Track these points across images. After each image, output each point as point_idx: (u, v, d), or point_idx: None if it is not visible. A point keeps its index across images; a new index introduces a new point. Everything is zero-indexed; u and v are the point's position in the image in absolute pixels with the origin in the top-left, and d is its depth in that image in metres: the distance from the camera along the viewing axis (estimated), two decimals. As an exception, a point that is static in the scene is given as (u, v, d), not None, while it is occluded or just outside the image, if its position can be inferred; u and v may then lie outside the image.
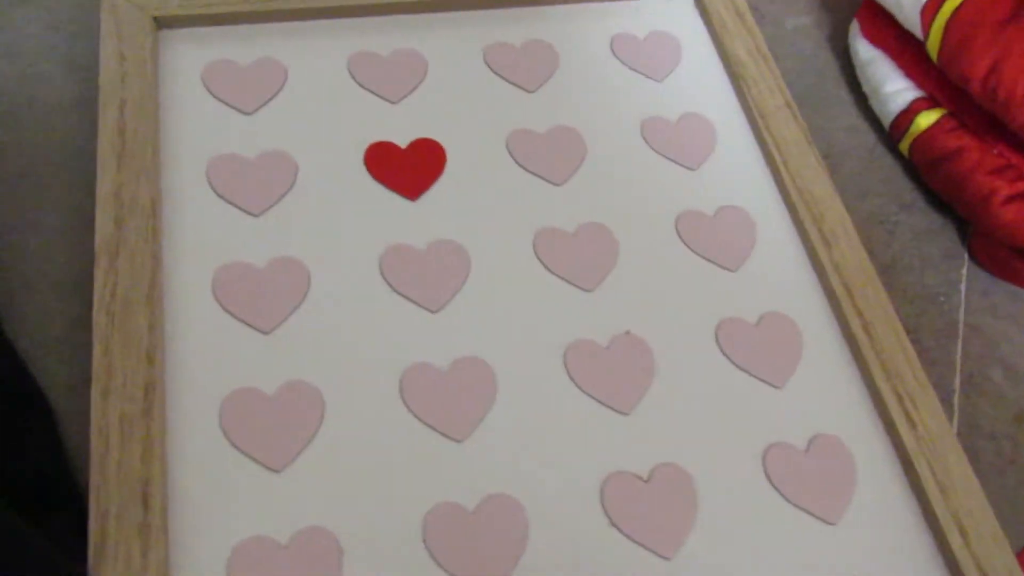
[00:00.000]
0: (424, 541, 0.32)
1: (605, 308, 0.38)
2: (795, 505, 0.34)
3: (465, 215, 0.40)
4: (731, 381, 0.37)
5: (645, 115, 0.44)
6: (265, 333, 0.35)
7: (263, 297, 0.36)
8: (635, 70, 0.46)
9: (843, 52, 0.51)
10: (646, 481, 0.34)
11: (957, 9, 0.42)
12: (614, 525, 0.33)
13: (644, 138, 0.44)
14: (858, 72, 0.49)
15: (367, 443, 0.34)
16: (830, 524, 0.34)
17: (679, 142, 0.43)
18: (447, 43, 0.45)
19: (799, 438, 0.36)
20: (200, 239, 0.37)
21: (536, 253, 0.39)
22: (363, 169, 0.41)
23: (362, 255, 0.38)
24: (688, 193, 0.42)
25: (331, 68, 0.44)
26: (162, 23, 0.43)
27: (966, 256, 0.45)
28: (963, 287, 0.43)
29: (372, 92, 0.43)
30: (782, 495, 0.34)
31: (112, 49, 0.41)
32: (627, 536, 0.33)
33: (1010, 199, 0.42)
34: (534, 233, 0.40)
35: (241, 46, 0.44)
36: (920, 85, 0.45)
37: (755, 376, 0.37)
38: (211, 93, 0.42)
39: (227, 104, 0.42)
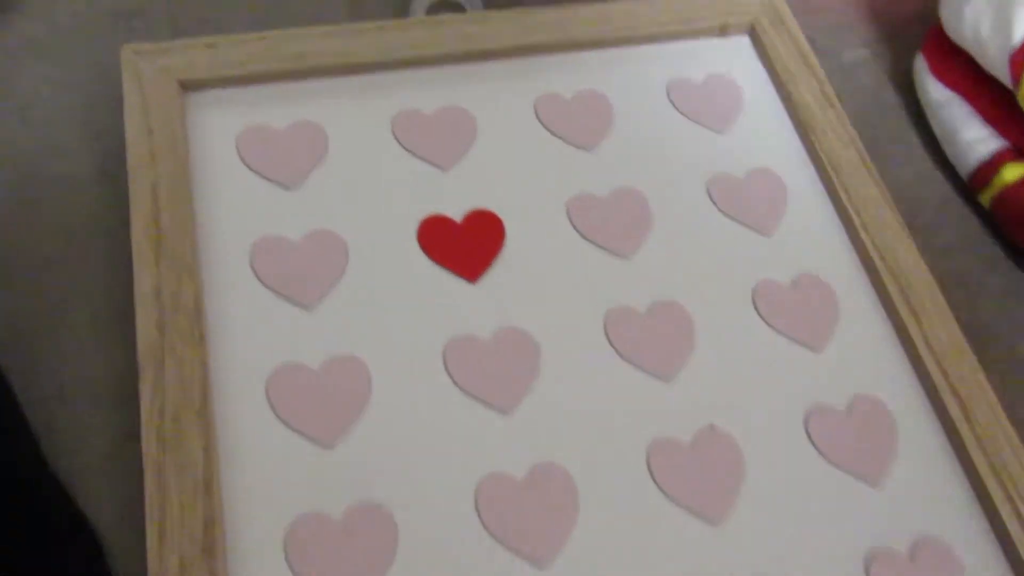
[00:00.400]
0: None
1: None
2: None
3: (529, 299, 0.37)
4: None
5: (710, 172, 0.42)
6: (329, 448, 0.33)
7: (322, 403, 0.34)
8: (695, 121, 0.43)
9: (907, 88, 0.48)
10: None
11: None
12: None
13: (712, 199, 0.41)
14: (928, 114, 0.46)
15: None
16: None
17: (749, 203, 0.41)
18: (494, 96, 0.42)
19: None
20: (250, 340, 0.35)
21: (609, 339, 0.37)
22: (417, 248, 0.38)
23: (424, 348, 0.35)
24: (763, 263, 0.39)
25: (374, 131, 0.41)
26: (189, 86, 0.40)
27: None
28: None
29: (421, 158, 0.40)
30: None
31: (138, 123, 0.38)
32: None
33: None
34: (604, 314, 0.37)
35: (276, 107, 0.40)
36: (1005, 134, 0.42)
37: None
38: (248, 166, 0.39)
39: (266, 178, 0.39)
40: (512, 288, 0.37)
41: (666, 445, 0.34)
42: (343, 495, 0.32)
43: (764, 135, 0.43)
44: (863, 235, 0.40)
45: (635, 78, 0.44)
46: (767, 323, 0.38)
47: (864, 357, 0.38)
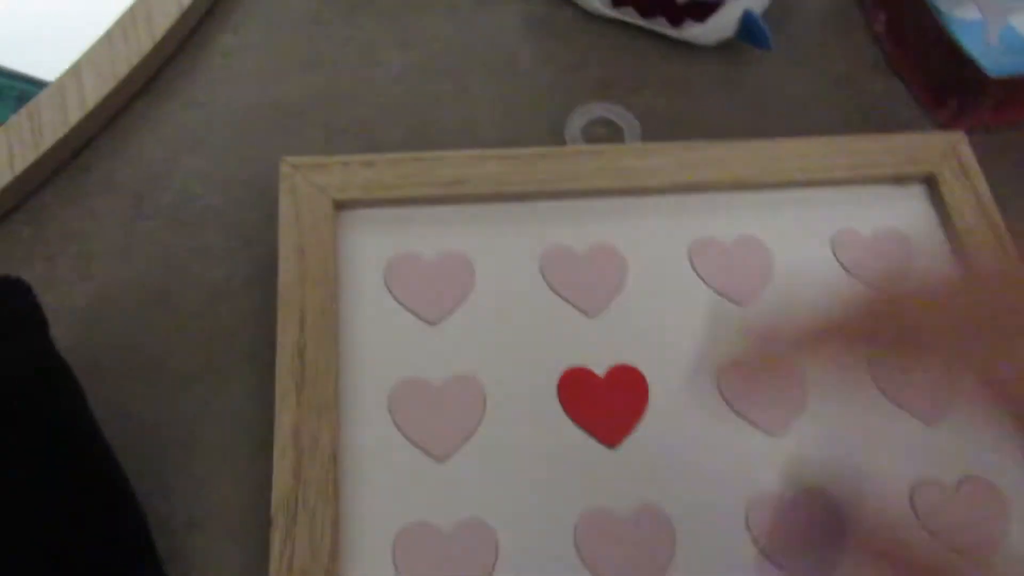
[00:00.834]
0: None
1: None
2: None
3: (666, 470, 0.36)
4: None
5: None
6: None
7: (450, 567, 0.33)
8: (860, 278, 0.41)
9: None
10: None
11: None
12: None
13: (872, 377, 0.38)
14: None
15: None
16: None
17: (916, 391, 0.38)
18: (648, 237, 0.41)
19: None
20: (382, 494, 0.34)
21: (748, 528, 0.35)
22: (556, 402, 0.37)
23: (557, 514, 0.34)
24: (926, 457, 0.37)
25: (522, 266, 0.40)
26: (343, 205, 0.40)
27: None
28: None
29: (567, 301, 0.39)
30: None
31: (291, 243, 0.38)
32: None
33: None
34: (746, 502, 0.35)
35: (426, 232, 0.40)
36: None
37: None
38: (395, 297, 0.38)
39: (411, 311, 0.38)
40: (651, 459, 0.36)
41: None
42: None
43: (935, 304, 0.40)
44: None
45: (798, 225, 0.42)
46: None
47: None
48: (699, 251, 0.41)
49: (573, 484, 0.35)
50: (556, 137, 0.46)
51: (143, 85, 0.44)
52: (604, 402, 0.37)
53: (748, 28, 0.46)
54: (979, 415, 0.28)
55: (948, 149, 0.43)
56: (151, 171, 0.43)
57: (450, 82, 0.47)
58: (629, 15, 0.48)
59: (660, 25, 0.47)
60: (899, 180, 0.43)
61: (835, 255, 0.41)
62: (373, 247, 0.40)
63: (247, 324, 0.40)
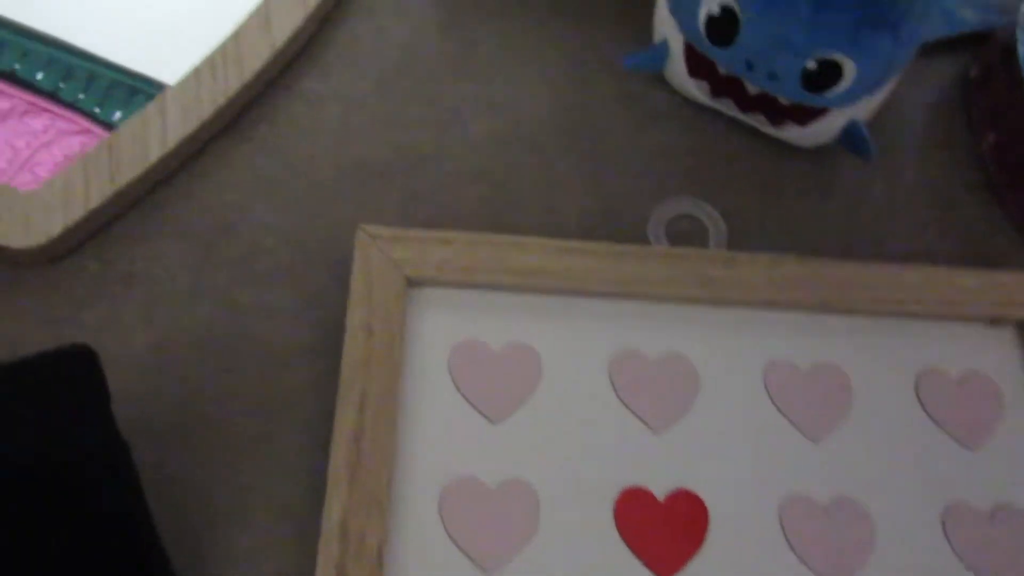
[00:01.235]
0: None
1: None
2: None
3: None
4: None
5: (950, 498, 0.38)
6: None
7: None
8: (942, 427, 0.39)
9: None
10: None
11: None
12: None
13: (947, 535, 0.37)
14: None
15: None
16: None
17: (993, 548, 0.36)
18: (723, 352, 0.40)
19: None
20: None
21: None
22: (612, 522, 0.36)
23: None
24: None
25: (591, 368, 0.39)
26: (415, 282, 0.39)
27: None
28: None
29: (634, 413, 0.38)
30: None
31: (360, 319, 0.37)
32: None
33: None
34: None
35: (496, 319, 0.39)
36: None
37: None
38: (457, 388, 0.38)
39: (473, 406, 0.37)
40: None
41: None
42: None
43: (1018, 464, 0.39)
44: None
45: (881, 358, 0.40)
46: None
47: None
48: (775, 374, 0.39)
49: None
50: (637, 223, 0.45)
51: (224, 126, 0.44)
52: (661, 530, 0.36)
53: (851, 136, 0.44)
54: None
55: (1049, 294, 0.42)
56: (223, 218, 0.42)
57: (535, 155, 0.46)
58: (727, 106, 0.47)
59: (757, 121, 0.46)
60: (993, 321, 0.41)
61: (918, 395, 0.40)
62: (441, 329, 0.39)
63: (305, 393, 0.39)
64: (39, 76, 0.43)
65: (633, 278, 0.40)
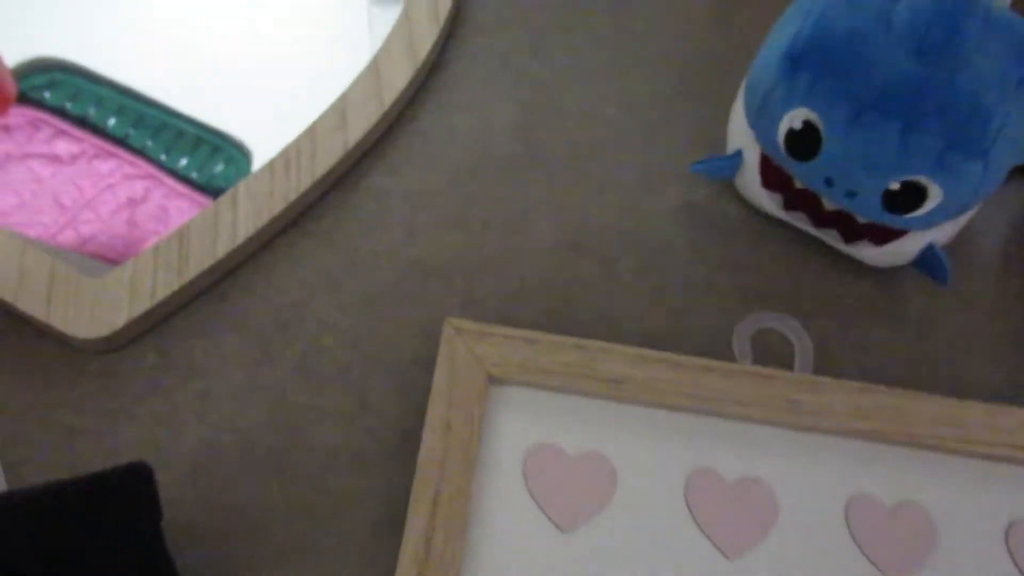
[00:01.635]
0: None
1: None
2: None
3: None
4: None
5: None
6: None
7: None
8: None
9: None
10: None
11: None
12: None
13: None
14: None
15: None
16: None
17: None
18: (804, 479, 0.38)
19: None
20: None
21: None
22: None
23: None
24: None
25: (666, 485, 0.38)
26: (497, 380, 0.39)
27: None
28: None
29: (708, 537, 0.37)
30: None
31: (440, 415, 0.37)
32: None
33: None
34: None
35: (573, 424, 0.39)
36: None
37: None
38: (530, 492, 0.37)
39: (545, 513, 0.36)
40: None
41: None
42: None
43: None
44: None
45: (969, 502, 0.39)
46: None
47: None
48: (857, 509, 0.38)
49: None
50: (700, 336, 0.44)
51: (291, 221, 0.44)
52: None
53: (927, 259, 0.44)
54: None
55: None
56: (283, 314, 0.42)
57: (598, 262, 0.46)
58: (799, 220, 0.46)
59: (831, 238, 0.46)
60: (1082, 462, 0.40)
61: (1007, 546, 0.38)
62: (518, 430, 0.38)
63: (353, 501, 0.38)
64: (111, 122, 0.45)
65: (716, 395, 0.39)
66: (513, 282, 0.45)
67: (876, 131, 0.39)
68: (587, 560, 0.36)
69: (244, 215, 0.41)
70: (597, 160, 0.49)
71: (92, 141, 0.45)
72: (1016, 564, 0.38)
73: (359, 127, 0.44)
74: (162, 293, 0.39)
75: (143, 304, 0.38)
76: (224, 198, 0.42)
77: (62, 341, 0.39)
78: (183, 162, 0.44)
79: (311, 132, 0.44)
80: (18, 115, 0.45)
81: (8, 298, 0.38)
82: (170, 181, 0.44)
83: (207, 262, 0.40)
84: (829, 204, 0.44)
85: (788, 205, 0.46)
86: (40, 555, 0.29)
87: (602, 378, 0.39)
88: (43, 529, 0.30)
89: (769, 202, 0.47)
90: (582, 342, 0.40)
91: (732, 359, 0.43)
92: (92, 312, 0.38)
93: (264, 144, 0.45)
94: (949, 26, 0.38)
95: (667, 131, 0.51)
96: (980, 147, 0.38)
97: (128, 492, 0.30)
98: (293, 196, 0.42)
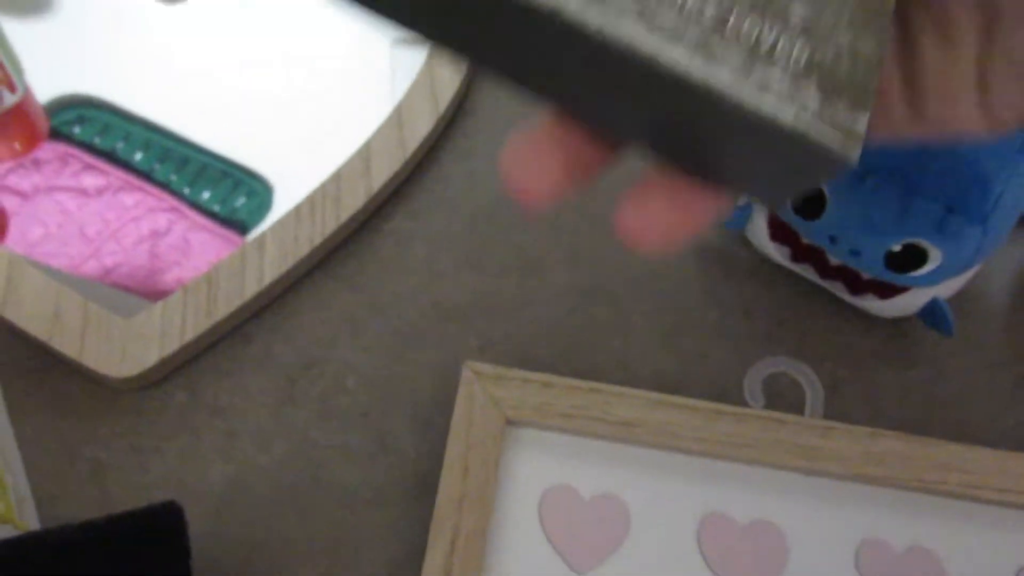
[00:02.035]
0: None
1: None
2: None
3: None
4: None
5: None
6: None
7: None
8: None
9: None
10: None
11: None
12: None
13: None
14: None
15: None
16: None
17: None
18: (815, 523, 0.40)
19: None
20: None
21: None
22: None
23: None
24: None
25: (679, 527, 0.39)
26: (514, 422, 0.40)
27: None
28: None
29: (721, 580, 0.38)
30: None
31: (458, 457, 0.38)
32: None
33: None
34: None
35: (588, 469, 0.40)
36: None
37: None
38: (546, 533, 0.38)
39: (560, 555, 0.38)
40: None
41: None
42: None
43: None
44: None
45: (980, 549, 0.40)
46: None
47: None
48: (867, 555, 0.39)
49: None
50: (711, 381, 0.45)
51: (316, 264, 0.45)
52: None
53: (932, 313, 0.46)
54: None
55: None
56: (307, 354, 0.43)
57: (612, 309, 0.47)
58: (806, 271, 0.48)
59: (837, 289, 0.48)
60: (1087, 508, 0.41)
61: (1017, 593, 0.39)
62: (534, 472, 0.40)
63: (372, 539, 0.39)
64: (137, 156, 0.47)
65: (728, 438, 0.40)
66: (529, 325, 0.46)
67: (878, 194, 0.41)
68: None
69: (271, 258, 0.43)
70: (611, 206, 0.51)
71: (118, 175, 0.47)
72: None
73: (382, 173, 0.46)
74: (191, 333, 0.40)
75: (173, 344, 0.40)
76: (251, 242, 0.43)
77: (93, 379, 0.40)
78: (206, 195, 0.46)
79: (336, 177, 0.46)
80: (48, 150, 0.47)
81: (43, 337, 0.39)
82: (193, 214, 0.46)
83: (235, 303, 0.41)
84: (834, 259, 0.46)
85: (795, 257, 0.48)
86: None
87: (616, 421, 0.40)
88: (77, 567, 0.31)
89: (777, 253, 0.48)
90: (597, 386, 0.41)
91: (744, 403, 0.44)
92: (124, 351, 0.39)
93: (286, 178, 0.48)
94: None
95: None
96: (981, 213, 0.40)
97: (160, 530, 0.32)
98: (318, 240, 0.44)
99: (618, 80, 0.17)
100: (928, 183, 0.40)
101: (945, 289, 0.45)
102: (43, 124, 0.47)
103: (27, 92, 0.47)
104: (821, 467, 0.40)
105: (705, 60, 0.16)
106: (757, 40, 0.17)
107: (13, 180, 0.46)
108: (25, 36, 0.48)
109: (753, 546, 0.39)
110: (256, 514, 0.39)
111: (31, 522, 0.37)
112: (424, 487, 0.41)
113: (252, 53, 0.52)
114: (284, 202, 0.46)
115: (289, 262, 0.43)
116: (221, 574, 0.38)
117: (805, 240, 0.46)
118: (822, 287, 0.49)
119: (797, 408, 0.45)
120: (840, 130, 0.17)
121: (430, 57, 0.51)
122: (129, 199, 0.46)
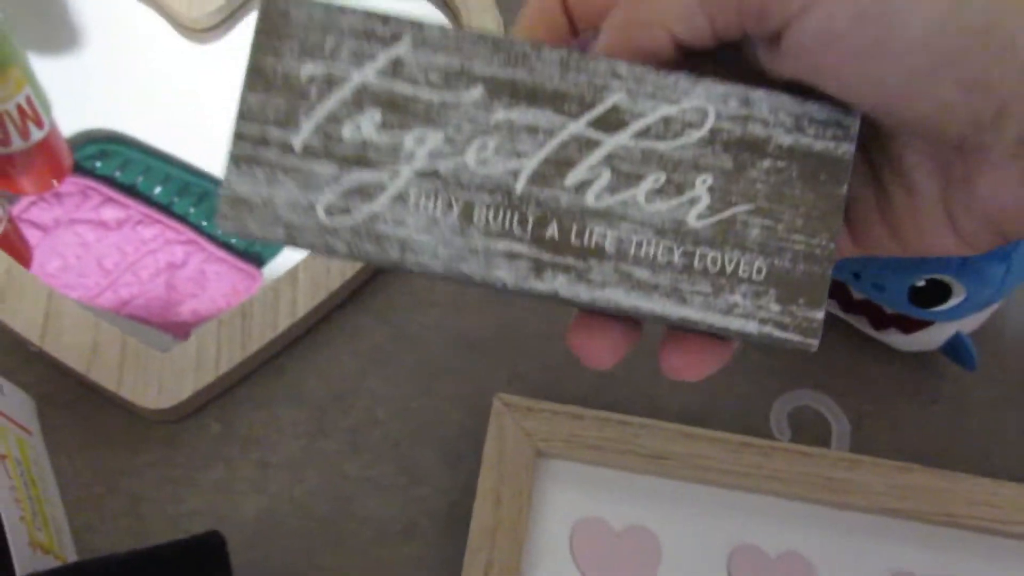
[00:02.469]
0: None
1: None
2: None
3: None
4: None
5: None
6: None
7: None
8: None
9: None
10: None
11: None
12: None
13: None
14: None
15: None
16: None
17: None
18: (843, 557, 0.40)
19: None
20: None
21: None
22: None
23: None
24: None
25: (710, 560, 0.40)
26: (545, 454, 0.41)
27: None
28: None
29: (755, 614, 0.38)
30: None
31: (490, 487, 0.39)
32: None
33: None
34: None
35: (618, 501, 0.41)
36: None
37: None
38: (577, 567, 0.39)
39: None
40: None
41: None
42: None
43: None
44: None
45: None
46: None
47: None
48: (899, 584, 0.40)
49: None
50: (735, 416, 0.46)
51: (347, 297, 0.46)
52: None
53: (955, 348, 0.46)
54: None
55: None
56: (339, 386, 0.44)
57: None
58: (830, 306, 0.49)
59: (860, 323, 0.48)
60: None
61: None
62: (565, 504, 0.40)
63: (404, 571, 0.40)
64: (157, 190, 0.48)
65: (757, 471, 0.41)
66: (556, 357, 0.47)
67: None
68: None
69: (303, 291, 0.44)
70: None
71: (138, 208, 0.48)
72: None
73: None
74: (226, 366, 0.41)
75: (208, 376, 0.41)
76: (284, 276, 0.44)
77: (130, 410, 0.41)
78: (224, 227, 0.47)
79: (367, 213, 0.47)
80: (70, 184, 0.48)
81: (80, 369, 0.40)
82: (210, 246, 0.47)
83: (269, 335, 0.42)
84: (857, 294, 0.47)
85: (818, 293, 0.49)
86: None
87: (646, 454, 0.41)
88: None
89: (801, 287, 0.49)
90: (625, 418, 0.42)
91: (770, 435, 0.45)
92: (160, 383, 0.40)
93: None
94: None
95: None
96: (1004, 250, 0.41)
97: (204, 560, 0.32)
98: (350, 273, 0.45)
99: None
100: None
101: (968, 324, 0.46)
102: (67, 159, 0.49)
103: (53, 127, 0.48)
104: (849, 500, 0.41)
105: (676, 303, 0.22)
106: (721, 270, 0.22)
107: (35, 213, 0.47)
108: (51, 72, 0.50)
109: (782, 577, 0.39)
110: (289, 545, 0.40)
111: (68, 553, 0.38)
112: (453, 519, 0.41)
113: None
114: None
115: (321, 295, 0.44)
116: (254, 606, 0.38)
117: (828, 275, 0.47)
118: (845, 321, 0.50)
119: (822, 441, 0.45)
120: (799, 330, 0.22)
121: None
122: (148, 232, 0.47)
